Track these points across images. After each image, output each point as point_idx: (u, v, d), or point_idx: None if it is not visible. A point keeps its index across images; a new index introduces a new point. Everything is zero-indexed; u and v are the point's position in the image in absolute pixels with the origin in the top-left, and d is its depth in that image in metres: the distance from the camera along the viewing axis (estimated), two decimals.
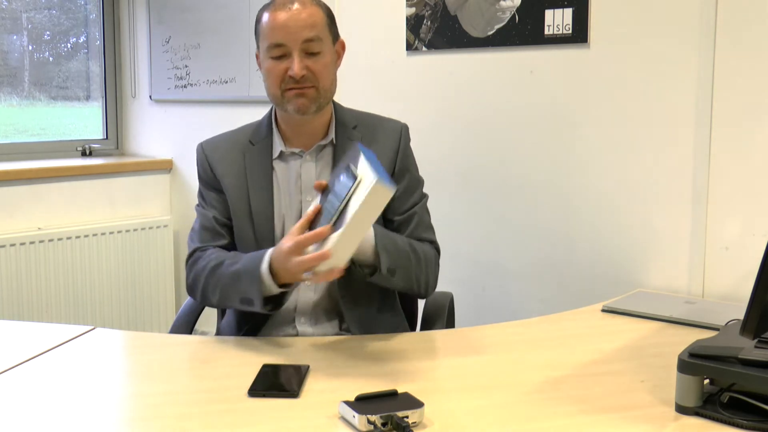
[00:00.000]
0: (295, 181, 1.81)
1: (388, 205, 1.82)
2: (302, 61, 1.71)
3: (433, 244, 1.87)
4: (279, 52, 1.72)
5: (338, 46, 1.82)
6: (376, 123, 1.89)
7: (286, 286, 1.63)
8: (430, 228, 1.90)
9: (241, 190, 1.81)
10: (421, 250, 1.78)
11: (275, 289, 1.60)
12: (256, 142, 1.84)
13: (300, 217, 1.78)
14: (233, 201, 1.82)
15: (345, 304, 1.78)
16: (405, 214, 1.84)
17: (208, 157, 1.86)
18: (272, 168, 1.81)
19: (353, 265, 1.64)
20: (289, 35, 1.70)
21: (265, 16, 1.75)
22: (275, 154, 1.82)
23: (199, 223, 1.85)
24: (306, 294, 1.79)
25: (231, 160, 1.84)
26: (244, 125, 1.91)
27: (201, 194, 1.88)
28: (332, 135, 1.81)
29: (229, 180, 1.82)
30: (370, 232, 1.63)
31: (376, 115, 1.92)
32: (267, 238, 1.79)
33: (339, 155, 1.80)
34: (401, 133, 1.88)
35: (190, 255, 1.81)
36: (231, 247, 1.82)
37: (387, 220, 1.83)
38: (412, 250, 1.75)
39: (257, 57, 1.82)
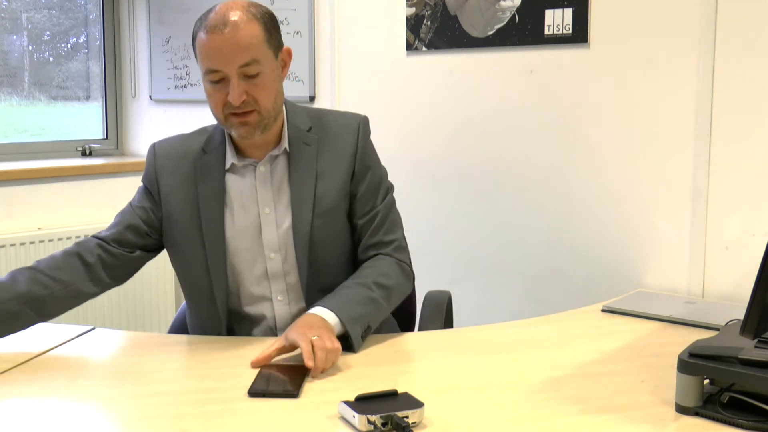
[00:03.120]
0: (250, 192, 1.74)
1: (350, 207, 1.78)
2: (240, 86, 1.62)
3: (394, 243, 1.78)
4: (216, 78, 1.63)
5: (283, 55, 1.72)
6: (331, 121, 1.81)
7: None
8: (393, 224, 1.81)
9: (191, 204, 1.75)
10: (385, 276, 1.71)
11: None
12: (208, 150, 1.77)
13: (260, 230, 1.75)
14: (181, 219, 1.76)
15: None
16: (367, 216, 1.78)
17: (157, 165, 1.79)
18: (224, 180, 1.75)
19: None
20: (224, 61, 1.61)
21: (200, 37, 1.63)
22: (227, 165, 1.75)
23: (119, 213, 1.81)
24: (282, 310, 1.77)
25: (180, 172, 1.77)
26: (201, 128, 1.84)
27: (138, 192, 1.82)
28: (285, 144, 1.75)
29: (176, 196, 1.76)
30: (330, 315, 1.58)
31: (333, 112, 1.86)
32: (218, 253, 1.73)
33: (294, 162, 1.74)
34: (359, 128, 1.79)
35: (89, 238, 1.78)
36: (106, 248, 1.75)
37: (350, 223, 1.80)
38: (379, 288, 1.68)
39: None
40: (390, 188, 1.85)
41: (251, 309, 1.77)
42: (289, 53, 1.75)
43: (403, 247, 1.82)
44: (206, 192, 1.74)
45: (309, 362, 1.45)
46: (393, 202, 1.84)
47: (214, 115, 1.70)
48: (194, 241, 1.75)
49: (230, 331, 1.78)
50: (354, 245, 1.81)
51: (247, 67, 1.62)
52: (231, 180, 1.76)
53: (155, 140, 1.86)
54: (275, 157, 1.75)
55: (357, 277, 1.73)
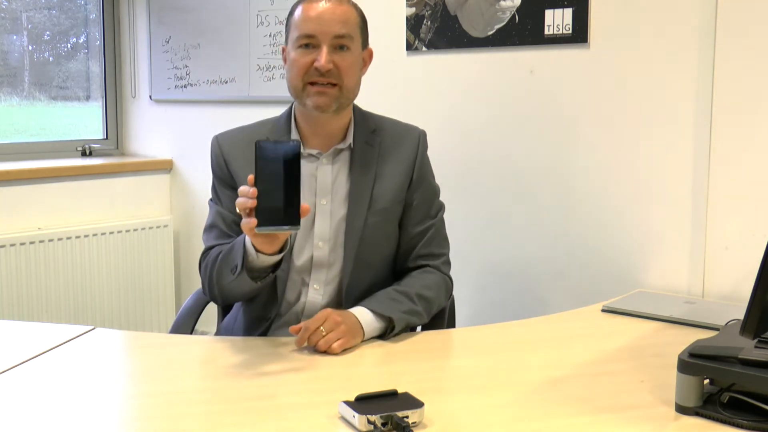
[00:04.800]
0: (309, 182, 1.78)
1: (405, 215, 1.84)
2: (330, 55, 1.70)
3: (443, 257, 1.87)
4: (308, 42, 1.71)
5: (366, 54, 1.81)
6: (394, 129, 1.87)
7: (276, 268, 1.64)
8: (445, 240, 1.90)
9: None
10: (426, 288, 1.78)
11: (254, 254, 1.58)
12: (273, 139, 1.82)
13: (313, 219, 1.79)
14: None
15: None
16: (421, 226, 1.84)
17: (223, 152, 1.84)
18: None
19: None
20: (321, 27, 1.70)
21: (299, 9, 1.75)
22: None
23: (211, 220, 1.84)
24: (314, 298, 1.79)
25: (248, 157, 1.79)
26: (263, 120, 1.89)
27: (214, 188, 1.87)
28: (350, 139, 1.80)
29: (245, 178, 1.81)
30: (369, 318, 1.65)
31: (395, 121, 1.91)
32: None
33: (356, 160, 1.79)
34: (419, 140, 1.87)
35: (202, 254, 1.82)
36: None
37: (402, 230, 1.84)
38: (420, 300, 1.75)
39: (283, 51, 1.80)
40: (442, 206, 1.92)
41: (286, 293, 1.80)
42: (370, 54, 1.84)
43: (449, 264, 1.89)
44: None
45: (301, 338, 1.56)
46: (443, 220, 1.91)
47: (292, 85, 1.75)
48: None
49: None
50: (397, 251, 1.86)
51: (341, 39, 1.71)
52: None
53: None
54: (339, 152, 1.81)
55: (401, 286, 1.78)
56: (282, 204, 1.45)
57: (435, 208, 1.88)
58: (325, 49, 1.70)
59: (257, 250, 1.57)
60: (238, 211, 1.51)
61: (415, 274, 1.83)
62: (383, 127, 1.86)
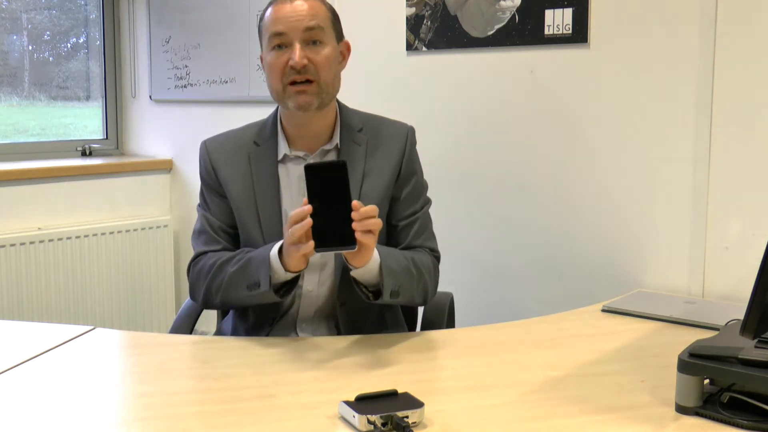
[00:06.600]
0: (298, 184, 1.78)
1: (391, 209, 1.83)
2: (303, 50, 1.70)
3: (433, 252, 1.85)
4: (280, 41, 1.71)
5: (342, 47, 1.80)
6: (381, 126, 1.86)
7: (295, 283, 1.63)
8: (432, 235, 1.88)
9: (248, 195, 1.79)
10: (421, 263, 1.76)
11: (282, 273, 1.59)
12: (260, 142, 1.82)
13: None
14: (240, 207, 1.80)
15: (345, 312, 1.77)
16: (407, 219, 1.83)
17: (212, 159, 1.84)
18: (277, 171, 1.80)
19: (357, 287, 1.64)
20: (290, 24, 1.70)
21: (268, 11, 1.75)
22: (279, 156, 1.80)
23: (199, 226, 1.85)
24: (308, 299, 1.79)
25: (236, 163, 1.81)
26: (249, 124, 1.89)
27: (202, 194, 1.87)
28: (337, 139, 1.79)
29: (234, 185, 1.80)
30: (375, 253, 1.61)
31: (382, 117, 1.90)
32: (276, 241, 1.77)
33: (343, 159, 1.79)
34: (407, 136, 1.85)
35: (193, 258, 1.82)
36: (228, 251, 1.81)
37: (389, 225, 1.83)
38: (414, 266, 1.72)
39: (261, 59, 1.81)
40: (429, 201, 1.90)
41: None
42: (348, 47, 1.83)
43: (439, 260, 1.88)
44: (261, 182, 1.79)
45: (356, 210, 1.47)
46: (429, 214, 1.89)
47: (273, 89, 1.75)
48: (254, 229, 1.78)
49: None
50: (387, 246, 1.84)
51: (311, 32, 1.71)
52: (282, 171, 1.80)
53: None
54: (326, 152, 1.80)
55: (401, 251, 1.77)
56: (337, 224, 1.47)
57: (421, 203, 1.87)
58: (297, 46, 1.70)
59: (287, 269, 1.58)
60: (288, 234, 1.51)
61: (414, 251, 1.79)
62: (370, 124, 1.85)
